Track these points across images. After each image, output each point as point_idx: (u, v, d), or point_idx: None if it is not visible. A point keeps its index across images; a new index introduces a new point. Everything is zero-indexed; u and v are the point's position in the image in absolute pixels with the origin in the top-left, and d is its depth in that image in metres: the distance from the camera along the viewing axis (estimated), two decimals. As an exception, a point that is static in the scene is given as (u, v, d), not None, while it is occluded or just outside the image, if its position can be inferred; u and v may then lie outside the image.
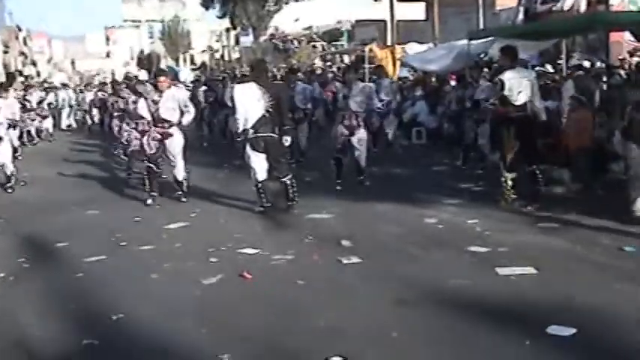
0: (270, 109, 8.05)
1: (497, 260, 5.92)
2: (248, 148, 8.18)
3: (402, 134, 14.84)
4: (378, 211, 8.21)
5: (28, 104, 19.80)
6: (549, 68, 14.71)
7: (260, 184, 8.22)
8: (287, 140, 8.32)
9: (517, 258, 5.95)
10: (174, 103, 9.25)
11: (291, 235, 7.22)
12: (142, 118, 9.61)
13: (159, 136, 9.25)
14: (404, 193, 9.11)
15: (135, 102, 10.19)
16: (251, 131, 8.08)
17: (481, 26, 26.67)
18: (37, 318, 5.09)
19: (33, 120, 19.79)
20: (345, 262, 6.09)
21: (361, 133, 9.74)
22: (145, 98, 9.44)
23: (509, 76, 8.08)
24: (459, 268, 5.77)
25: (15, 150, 13.62)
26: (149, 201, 9.22)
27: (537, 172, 8.21)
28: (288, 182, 8.27)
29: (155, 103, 9.19)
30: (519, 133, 8.07)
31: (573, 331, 4.31)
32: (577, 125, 9.07)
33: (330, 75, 21.38)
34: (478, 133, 10.44)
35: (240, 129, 8.20)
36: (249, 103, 8.06)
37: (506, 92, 8.03)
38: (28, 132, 19.42)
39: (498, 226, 7.14)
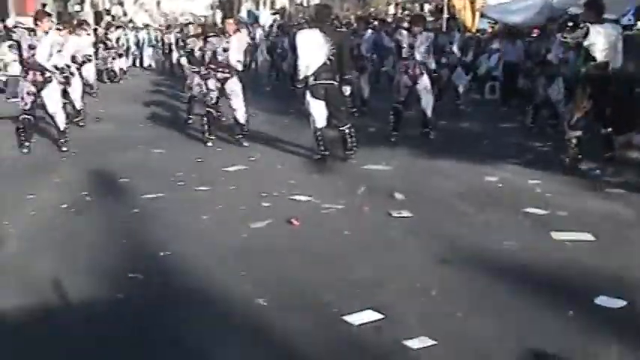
0: (332, 57, 7.89)
1: (554, 224, 5.68)
2: (308, 95, 8.07)
3: (476, 88, 14.45)
4: (438, 166, 8.02)
5: (109, 43, 20.26)
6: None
7: (319, 132, 8.13)
8: (347, 89, 8.19)
9: (576, 223, 5.69)
10: (240, 47, 9.33)
11: (344, 185, 7.14)
12: (204, 64, 9.71)
13: (219, 84, 9.38)
14: (468, 150, 8.86)
15: (200, 49, 10.23)
16: (312, 78, 7.96)
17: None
18: (89, 250, 5.23)
19: (114, 58, 20.22)
20: (395, 215, 5.98)
21: (425, 81, 9.48)
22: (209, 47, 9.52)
23: (595, 30, 7.61)
24: (512, 230, 5.56)
25: (91, 87, 13.96)
26: (209, 143, 9.36)
27: (612, 135, 7.82)
28: (347, 131, 8.15)
29: (225, 50, 9.27)
30: (596, 92, 7.66)
31: (623, 303, 4.09)
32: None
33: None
34: (551, 90, 9.98)
35: (302, 76, 8.09)
36: (312, 50, 7.93)
37: (586, 44, 7.58)
38: (109, 70, 19.90)
39: (561, 189, 6.85)
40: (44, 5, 35.29)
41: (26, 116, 9.11)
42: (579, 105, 7.78)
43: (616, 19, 12.22)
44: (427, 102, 9.56)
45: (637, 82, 8.76)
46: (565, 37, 8.12)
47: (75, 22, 15.11)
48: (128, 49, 24.71)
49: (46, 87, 9.09)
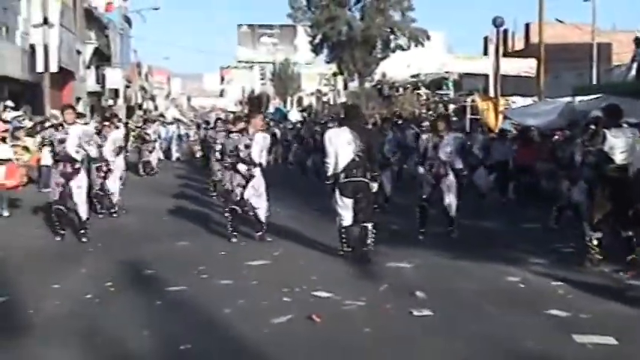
0: (360, 154, 8.02)
1: (576, 326, 5.64)
2: (337, 193, 8.16)
3: (499, 188, 14.55)
4: (460, 264, 8.03)
5: (147, 137, 20.91)
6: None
7: (344, 230, 8.21)
8: (374, 186, 8.26)
9: (598, 326, 5.64)
10: (264, 145, 9.58)
11: (366, 282, 7.17)
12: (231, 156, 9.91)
13: (243, 182, 9.49)
14: (490, 249, 8.88)
15: (224, 144, 10.47)
16: (342, 175, 8.06)
17: (594, 82, 25.98)
18: (109, 340, 5.32)
19: (150, 152, 20.75)
20: (416, 314, 5.98)
21: (449, 180, 9.63)
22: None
23: (612, 134, 7.80)
24: (533, 331, 5.53)
25: (120, 178, 14.28)
26: (233, 239, 9.41)
27: (634, 238, 7.83)
28: (369, 228, 8.17)
29: (247, 147, 9.46)
30: (615, 194, 7.76)
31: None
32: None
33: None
34: (573, 192, 10.08)
35: (330, 172, 8.19)
36: (340, 148, 8.06)
37: (606, 148, 7.77)
38: (145, 163, 20.39)
39: (584, 291, 6.81)
40: (79, 99, 36.76)
41: (57, 206, 9.47)
42: (598, 207, 7.86)
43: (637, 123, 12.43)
44: (450, 201, 9.67)
45: None
46: (586, 145, 8.34)
47: (108, 115, 15.67)
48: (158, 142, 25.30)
49: (74, 178, 9.51)
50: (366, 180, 8.16)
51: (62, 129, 9.59)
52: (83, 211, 9.66)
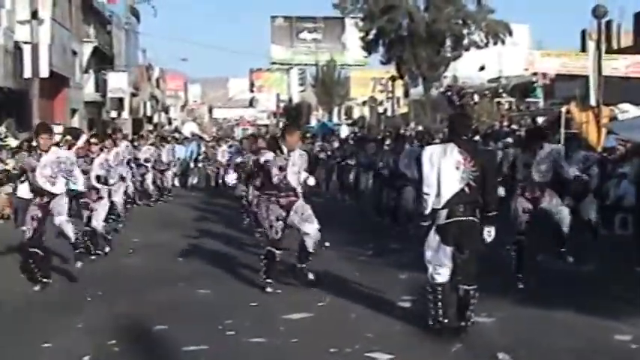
0: (474, 183, 7.18)
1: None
2: (432, 237, 7.35)
3: (603, 221, 14.34)
4: (554, 317, 7.94)
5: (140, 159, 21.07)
6: None
7: (439, 289, 7.27)
8: (490, 233, 7.38)
9: None
10: (300, 166, 9.62)
11: (437, 342, 7.10)
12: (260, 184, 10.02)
13: (284, 214, 9.52)
14: (592, 298, 8.75)
15: (255, 164, 10.57)
16: (443, 213, 7.23)
17: None
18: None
19: (143, 175, 20.74)
20: (499, 382, 5.96)
21: (550, 196, 9.60)
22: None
23: None
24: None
25: (118, 215, 14.45)
26: (268, 289, 9.38)
27: None
28: (472, 292, 7.30)
29: (281, 169, 9.51)
30: None
31: None
32: None
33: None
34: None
35: (429, 209, 7.32)
36: (444, 173, 7.19)
37: None
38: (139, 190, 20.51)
39: None
40: (74, 111, 37.50)
41: (32, 249, 9.59)
42: None
43: None
44: (563, 216, 9.65)
45: None
46: None
47: (109, 131, 15.80)
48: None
49: (51, 207, 9.70)
50: (476, 220, 7.32)
51: (35, 154, 9.78)
52: (69, 231, 9.89)
